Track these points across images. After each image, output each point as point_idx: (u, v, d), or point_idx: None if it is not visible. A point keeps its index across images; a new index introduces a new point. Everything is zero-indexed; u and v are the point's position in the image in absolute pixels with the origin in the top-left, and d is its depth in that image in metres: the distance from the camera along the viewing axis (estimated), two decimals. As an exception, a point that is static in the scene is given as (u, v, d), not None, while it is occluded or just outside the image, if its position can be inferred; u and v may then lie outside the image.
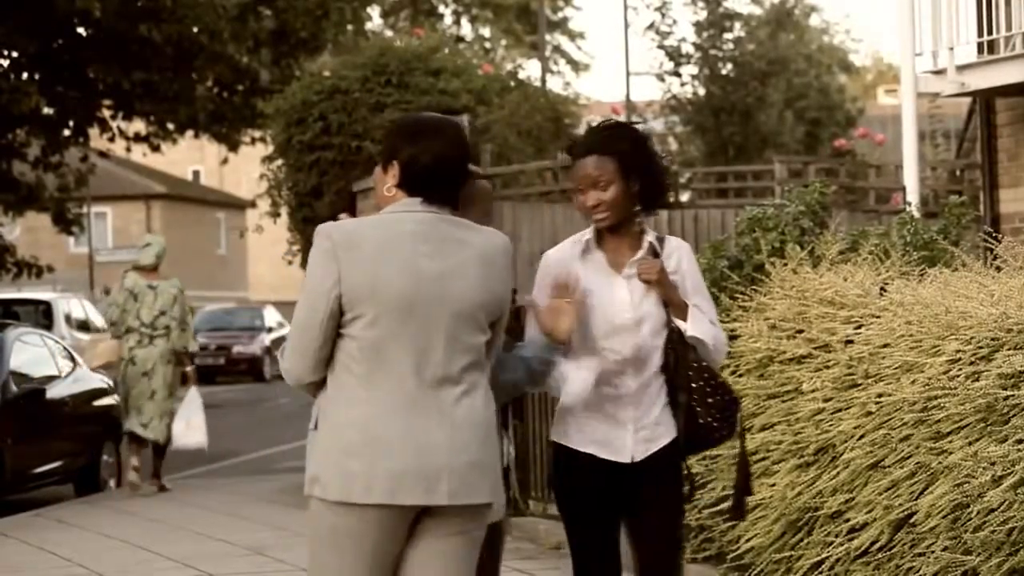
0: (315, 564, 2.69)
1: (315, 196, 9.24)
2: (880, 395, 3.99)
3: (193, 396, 8.54)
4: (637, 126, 3.25)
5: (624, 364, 3.11)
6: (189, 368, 8.64)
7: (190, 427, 8.43)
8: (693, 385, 3.10)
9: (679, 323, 3.12)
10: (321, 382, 2.68)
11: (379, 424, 2.62)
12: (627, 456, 3.11)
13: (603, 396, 3.10)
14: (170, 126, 15.73)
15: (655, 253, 3.14)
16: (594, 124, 3.19)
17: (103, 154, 16.49)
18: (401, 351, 2.62)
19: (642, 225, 3.15)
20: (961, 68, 6.71)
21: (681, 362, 3.09)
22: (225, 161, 17.22)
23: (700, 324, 3.14)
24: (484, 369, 2.70)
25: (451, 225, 2.68)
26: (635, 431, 3.12)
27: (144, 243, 8.65)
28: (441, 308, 2.63)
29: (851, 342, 4.27)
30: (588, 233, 3.15)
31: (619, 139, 3.11)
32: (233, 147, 16.09)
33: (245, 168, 21.72)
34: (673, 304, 3.12)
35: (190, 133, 16.16)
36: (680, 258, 3.17)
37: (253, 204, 10.81)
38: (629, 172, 3.09)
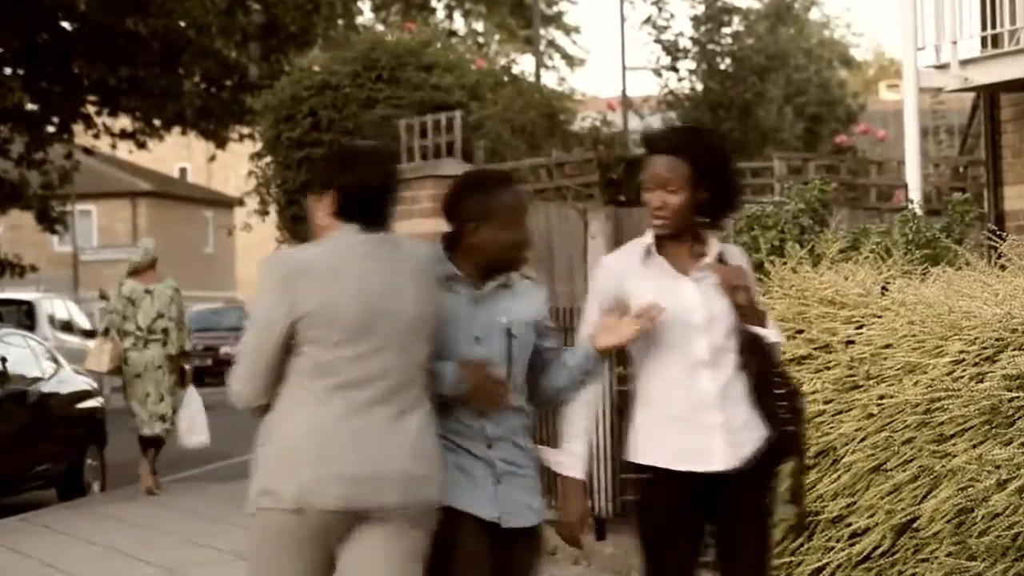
0: (259, 572, 2.85)
1: (304, 194, 9.09)
2: (882, 397, 3.95)
3: (192, 396, 8.60)
4: (710, 131, 3.20)
5: (700, 366, 3.03)
6: (187, 367, 8.71)
7: (192, 428, 8.53)
8: (777, 391, 3.02)
9: (758, 329, 3.05)
10: (267, 405, 2.84)
11: (331, 434, 2.78)
12: (719, 463, 3.00)
13: (684, 404, 3.01)
14: (156, 122, 15.60)
15: (722, 261, 3.08)
16: (675, 123, 3.16)
17: (88, 151, 16.38)
18: (354, 368, 2.78)
19: (705, 232, 3.08)
20: (964, 63, 6.60)
21: (765, 368, 3.02)
22: (213, 158, 17.08)
23: (775, 329, 3.08)
24: (425, 381, 2.87)
25: (389, 245, 2.87)
26: (725, 435, 3.01)
27: (138, 246, 8.89)
28: (391, 325, 2.81)
29: (852, 342, 4.24)
30: (648, 238, 3.11)
31: (697, 143, 3.04)
32: (221, 144, 15.97)
33: (233, 165, 21.57)
34: (753, 311, 3.06)
35: (177, 129, 16.03)
36: (741, 265, 3.12)
37: (241, 202, 10.69)
38: (700, 180, 3.01)
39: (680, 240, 3.05)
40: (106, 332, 8.65)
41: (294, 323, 2.76)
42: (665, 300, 3.00)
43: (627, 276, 3.05)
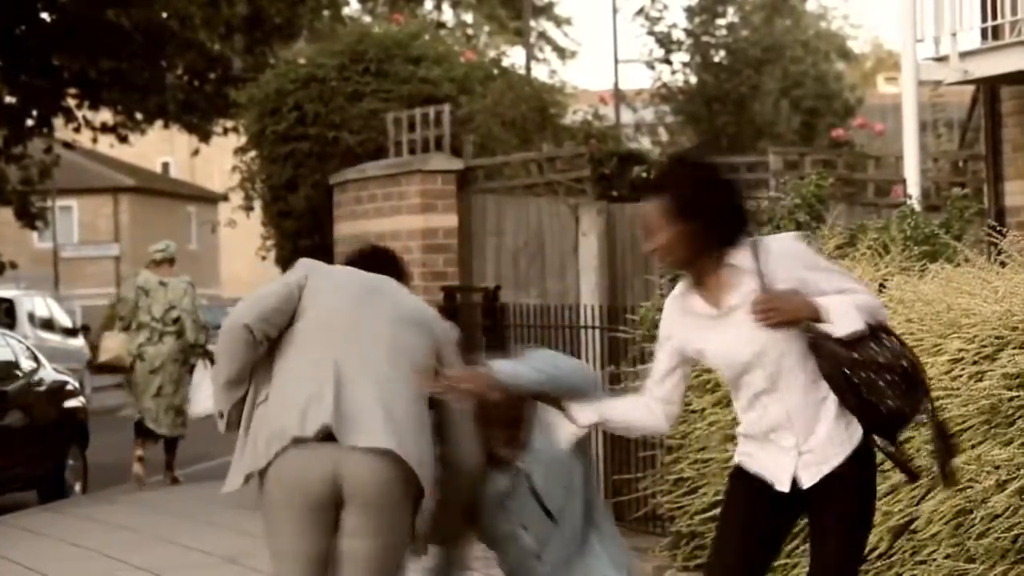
0: (270, 534, 3.14)
1: (290, 189, 8.96)
2: None
3: (204, 367, 8.71)
4: (695, 159, 3.11)
5: (761, 395, 2.99)
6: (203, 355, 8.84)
7: (203, 397, 8.66)
8: (858, 380, 2.91)
9: (823, 327, 2.93)
10: (244, 382, 3.19)
11: (319, 382, 3.09)
12: (784, 484, 2.98)
13: (756, 425, 3.02)
14: (139, 116, 15.41)
15: (760, 273, 2.96)
16: (668, 155, 3.21)
17: (68, 145, 16.16)
18: (347, 334, 3.14)
19: (731, 253, 2.98)
20: (964, 55, 6.49)
21: (834, 367, 2.91)
22: (196, 152, 16.88)
23: (842, 319, 2.92)
24: (424, 386, 3.11)
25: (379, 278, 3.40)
26: (799, 455, 2.98)
27: (157, 244, 9.11)
28: (379, 307, 3.19)
29: None
30: (682, 283, 3.11)
31: (665, 180, 3.00)
32: (204, 138, 15.79)
33: (217, 160, 21.35)
34: (805, 319, 2.95)
35: (159, 123, 15.84)
36: (783, 264, 2.96)
37: (225, 197, 10.54)
38: (686, 212, 2.96)
39: (705, 271, 2.98)
40: (120, 319, 8.77)
41: (301, 287, 3.22)
42: (709, 344, 2.98)
43: (676, 321, 3.06)
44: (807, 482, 2.94)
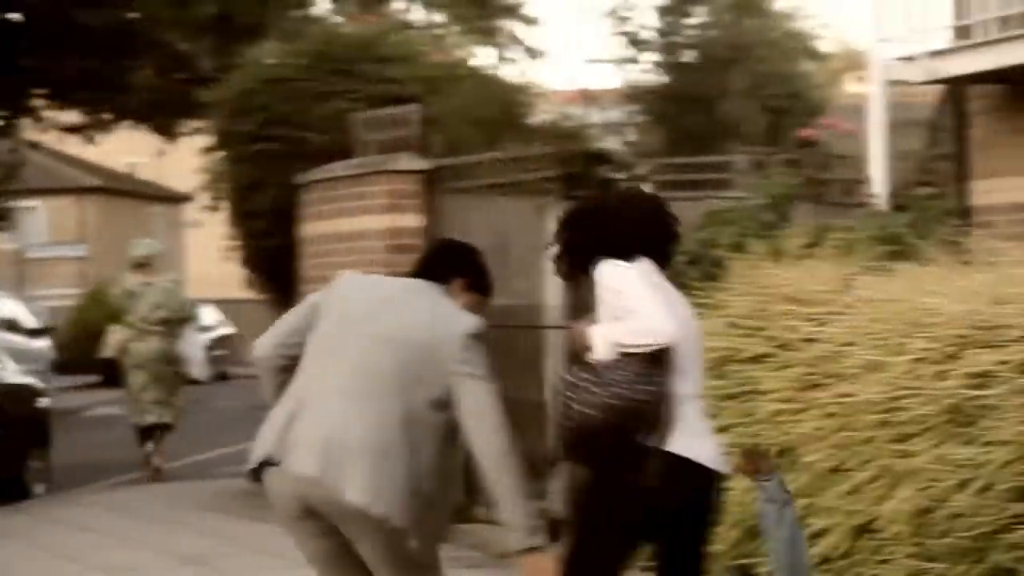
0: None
1: (256, 189, 8.90)
2: (842, 395, 3.94)
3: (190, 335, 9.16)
4: (569, 213, 3.35)
5: None
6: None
7: (193, 362, 9.30)
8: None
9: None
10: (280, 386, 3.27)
11: (284, 416, 3.15)
12: None
13: None
14: (106, 116, 15.29)
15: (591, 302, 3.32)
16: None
17: (34, 145, 16.00)
18: (324, 359, 3.17)
19: None
20: (932, 55, 6.51)
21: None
22: (163, 153, 16.76)
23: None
24: (419, 397, 3.10)
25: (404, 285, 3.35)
26: None
27: (136, 244, 9.44)
28: (373, 328, 3.17)
29: (813, 340, 4.21)
30: None
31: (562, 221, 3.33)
32: (172, 138, 15.68)
33: (185, 160, 21.19)
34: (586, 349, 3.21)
35: (126, 124, 15.72)
36: (598, 294, 3.17)
37: (192, 198, 10.48)
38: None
39: None
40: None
41: (317, 306, 3.29)
42: None
43: None
44: None
